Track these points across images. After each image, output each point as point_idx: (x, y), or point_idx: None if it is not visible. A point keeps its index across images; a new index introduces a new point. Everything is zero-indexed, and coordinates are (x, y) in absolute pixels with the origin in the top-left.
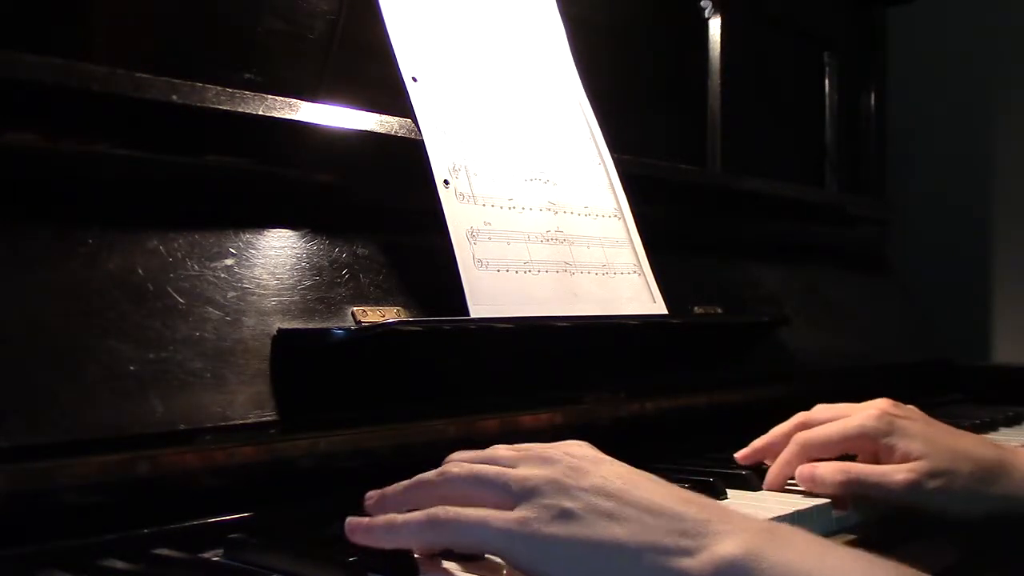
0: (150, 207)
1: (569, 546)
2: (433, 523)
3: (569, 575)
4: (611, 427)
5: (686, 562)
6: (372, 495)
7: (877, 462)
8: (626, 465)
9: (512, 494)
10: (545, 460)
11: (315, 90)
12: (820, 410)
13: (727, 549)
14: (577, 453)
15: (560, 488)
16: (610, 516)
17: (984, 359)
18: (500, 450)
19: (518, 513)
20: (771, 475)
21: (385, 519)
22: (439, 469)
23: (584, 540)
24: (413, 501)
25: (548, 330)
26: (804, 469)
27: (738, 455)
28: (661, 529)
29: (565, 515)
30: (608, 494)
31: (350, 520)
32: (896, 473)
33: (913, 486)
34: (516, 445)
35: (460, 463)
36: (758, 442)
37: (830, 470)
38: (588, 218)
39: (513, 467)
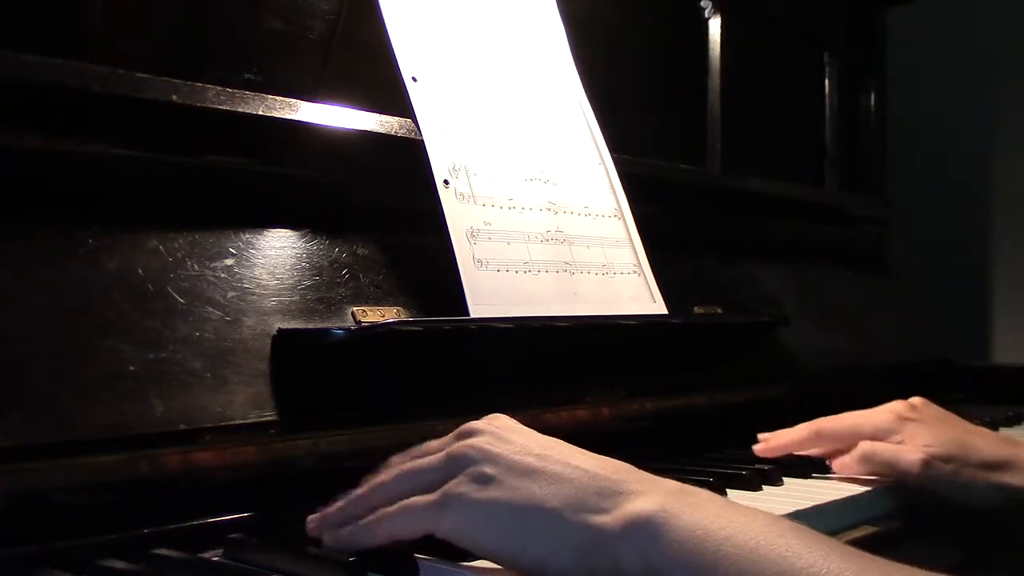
0: (150, 207)
1: (490, 509)
2: (370, 523)
3: (492, 537)
4: (611, 427)
5: (600, 519)
6: (313, 520)
7: None
8: (548, 436)
9: (437, 473)
10: (467, 433)
11: (315, 90)
12: (840, 416)
13: (640, 506)
14: (500, 424)
15: (480, 456)
16: (529, 477)
17: (984, 359)
18: (430, 443)
19: (441, 489)
20: (773, 440)
21: (333, 536)
22: (368, 480)
23: (504, 502)
24: (352, 518)
25: (548, 330)
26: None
27: (758, 448)
28: (578, 488)
29: (485, 480)
30: (528, 458)
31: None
32: (912, 453)
33: (924, 465)
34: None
35: (388, 467)
36: (780, 436)
37: (851, 455)
38: (588, 218)
39: (439, 452)
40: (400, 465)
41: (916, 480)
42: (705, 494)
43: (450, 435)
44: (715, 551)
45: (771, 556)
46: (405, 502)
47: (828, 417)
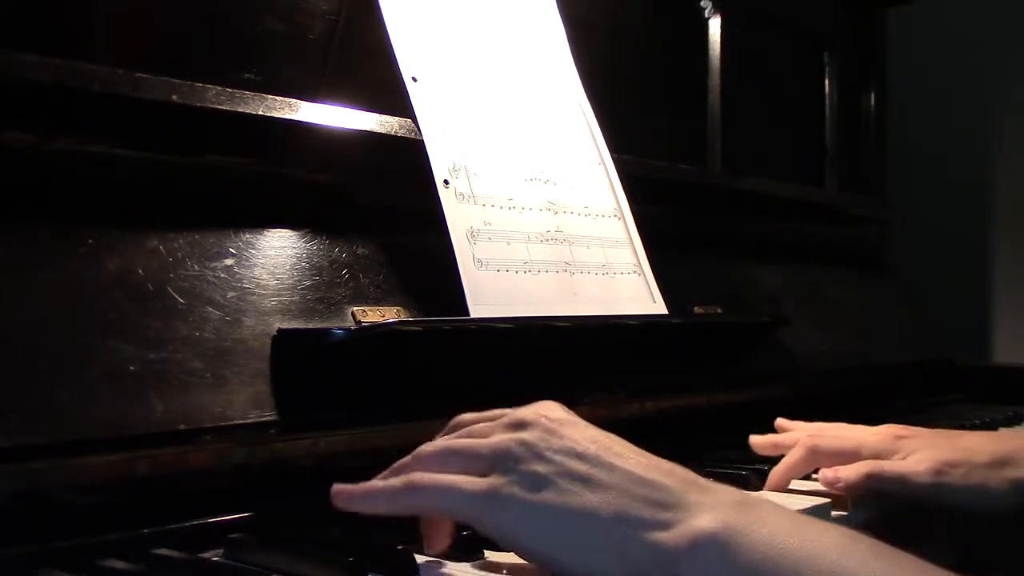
0: (150, 207)
1: (539, 513)
2: (409, 488)
3: (539, 542)
4: (611, 427)
5: (661, 535)
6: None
7: None
8: (600, 430)
9: (486, 461)
10: (519, 424)
11: (315, 90)
12: (831, 427)
13: (703, 523)
14: (552, 415)
15: (532, 453)
16: (584, 481)
17: (984, 359)
18: (477, 425)
19: (490, 480)
20: (776, 475)
21: (365, 485)
22: (415, 451)
23: (555, 507)
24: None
25: (548, 330)
26: (827, 472)
27: (754, 440)
28: (635, 498)
29: (536, 480)
30: (582, 458)
31: (335, 486)
32: (919, 464)
33: (936, 477)
34: (492, 412)
35: (433, 442)
36: (780, 471)
37: (853, 468)
38: (588, 218)
39: (487, 436)
40: (443, 441)
41: (928, 492)
42: (768, 504)
43: (498, 420)
44: (788, 572)
45: None
46: (452, 480)
47: (818, 432)
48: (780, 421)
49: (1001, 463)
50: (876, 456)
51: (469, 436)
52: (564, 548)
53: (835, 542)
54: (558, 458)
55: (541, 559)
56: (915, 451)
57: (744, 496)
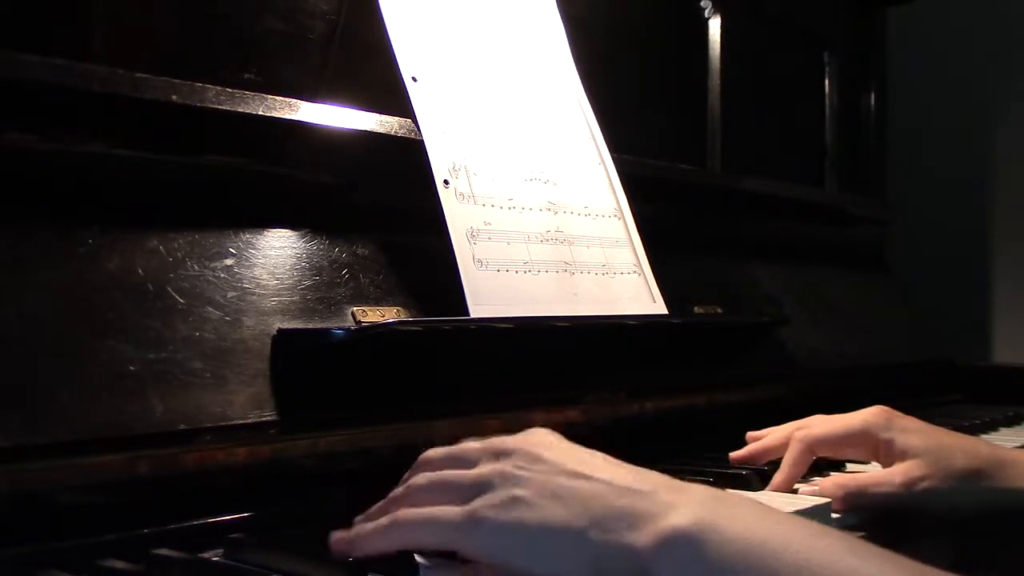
0: (150, 207)
1: (514, 531)
2: (394, 526)
3: (517, 559)
4: (611, 427)
5: (631, 536)
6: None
7: (876, 458)
8: (585, 449)
9: (468, 491)
10: (501, 453)
11: (315, 90)
12: (815, 418)
13: (674, 521)
14: (533, 441)
15: (509, 478)
16: (556, 498)
17: (984, 359)
18: (467, 449)
19: (466, 507)
20: (780, 477)
21: (357, 530)
22: (406, 481)
23: (529, 523)
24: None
25: (548, 330)
26: (805, 490)
27: (733, 455)
28: (606, 505)
29: (512, 502)
30: (558, 476)
31: (333, 535)
32: (894, 476)
33: (912, 486)
34: (484, 440)
35: (424, 473)
36: (755, 445)
37: (829, 488)
38: (588, 218)
39: (474, 466)
40: (432, 474)
41: (906, 501)
42: (739, 499)
43: (486, 446)
44: (758, 565)
45: (821, 572)
46: (430, 513)
47: (806, 428)
48: (751, 434)
49: (976, 474)
50: (868, 428)
51: (459, 461)
52: (538, 560)
53: (801, 535)
54: (532, 480)
55: (520, 573)
56: (907, 431)
57: (716, 493)
